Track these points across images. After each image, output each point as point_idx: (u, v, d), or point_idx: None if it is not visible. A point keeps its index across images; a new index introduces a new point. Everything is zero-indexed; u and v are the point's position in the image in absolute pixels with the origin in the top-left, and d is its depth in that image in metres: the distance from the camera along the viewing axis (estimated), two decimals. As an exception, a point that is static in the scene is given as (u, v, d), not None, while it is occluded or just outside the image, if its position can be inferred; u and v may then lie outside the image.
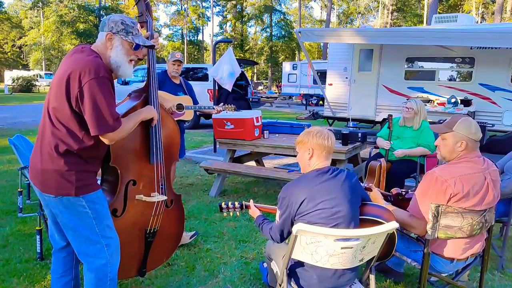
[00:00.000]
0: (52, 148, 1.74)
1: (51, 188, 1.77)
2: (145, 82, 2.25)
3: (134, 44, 1.88)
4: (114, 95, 1.80)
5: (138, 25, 1.93)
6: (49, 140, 1.76)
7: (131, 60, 1.90)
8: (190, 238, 3.21)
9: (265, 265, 2.48)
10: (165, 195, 2.31)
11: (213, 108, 3.69)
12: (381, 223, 1.82)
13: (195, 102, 3.81)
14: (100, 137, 1.78)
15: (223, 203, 2.38)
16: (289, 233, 1.87)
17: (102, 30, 1.85)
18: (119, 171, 2.11)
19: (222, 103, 3.88)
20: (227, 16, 46.43)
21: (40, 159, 1.78)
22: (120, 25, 1.83)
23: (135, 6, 2.20)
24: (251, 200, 2.37)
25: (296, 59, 40.15)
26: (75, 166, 1.77)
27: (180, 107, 3.55)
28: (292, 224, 1.83)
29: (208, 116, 10.53)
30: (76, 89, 1.68)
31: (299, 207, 1.79)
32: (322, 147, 1.90)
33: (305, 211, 1.77)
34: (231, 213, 2.38)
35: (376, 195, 2.32)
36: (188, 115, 3.69)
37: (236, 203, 2.36)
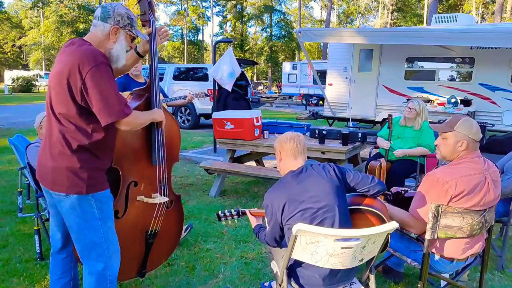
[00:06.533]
0: (63, 146, 1.71)
1: (62, 186, 1.74)
2: (147, 81, 2.22)
3: (133, 37, 1.90)
4: (115, 81, 1.79)
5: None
6: (58, 138, 1.72)
7: (127, 51, 1.92)
8: (185, 232, 3.20)
9: (266, 284, 2.45)
10: (166, 196, 2.30)
11: (184, 98, 3.66)
12: (376, 213, 1.85)
13: (164, 96, 3.77)
14: (116, 125, 1.75)
15: (220, 212, 2.39)
16: (281, 237, 1.90)
17: (105, 21, 1.80)
18: (120, 172, 2.10)
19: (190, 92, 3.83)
20: (227, 16, 46.47)
21: (51, 157, 1.74)
22: (127, 19, 1.83)
23: (137, 4, 2.15)
24: (247, 210, 2.37)
25: (296, 59, 40.15)
26: (87, 163, 1.75)
27: None
28: (281, 230, 1.86)
29: (208, 116, 10.55)
30: (78, 82, 1.64)
31: (282, 212, 1.80)
32: (285, 149, 1.96)
33: (289, 215, 1.78)
34: (229, 222, 2.38)
35: None
36: None
37: (233, 211, 2.37)
